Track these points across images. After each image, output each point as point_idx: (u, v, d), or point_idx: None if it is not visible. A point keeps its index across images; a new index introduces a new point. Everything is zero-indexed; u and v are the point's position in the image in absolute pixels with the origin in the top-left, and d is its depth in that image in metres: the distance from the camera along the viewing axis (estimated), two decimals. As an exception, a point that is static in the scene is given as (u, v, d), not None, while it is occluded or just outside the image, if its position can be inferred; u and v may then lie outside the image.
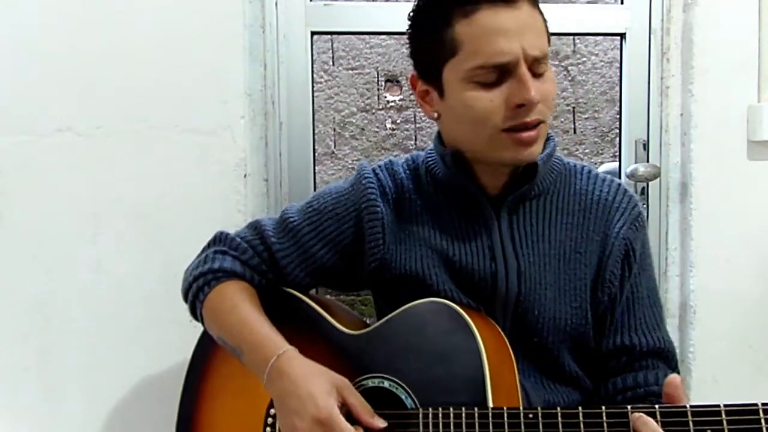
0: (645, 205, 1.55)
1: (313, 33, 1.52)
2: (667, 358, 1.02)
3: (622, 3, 1.58)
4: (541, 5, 0.97)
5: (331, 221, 1.05)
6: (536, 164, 0.97)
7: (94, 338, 1.40)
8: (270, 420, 1.00)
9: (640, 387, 0.98)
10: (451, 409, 0.88)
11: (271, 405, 1.00)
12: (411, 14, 1.00)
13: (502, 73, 0.91)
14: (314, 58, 1.69)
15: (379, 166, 1.09)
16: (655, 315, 1.03)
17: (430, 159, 1.06)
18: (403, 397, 0.93)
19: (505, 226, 1.00)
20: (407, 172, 1.08)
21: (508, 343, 0.96)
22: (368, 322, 1.13)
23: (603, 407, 0.83)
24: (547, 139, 1.02)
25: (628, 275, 1.01)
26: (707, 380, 1.44)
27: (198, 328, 1.11)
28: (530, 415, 0.84)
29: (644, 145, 1.56)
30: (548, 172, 1.02)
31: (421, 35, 0.99)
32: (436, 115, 1.01)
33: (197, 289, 1.04)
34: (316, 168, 1.62)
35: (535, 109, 0.91)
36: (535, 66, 0.91)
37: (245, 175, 1.39)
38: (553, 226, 1.01)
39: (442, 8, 0.93)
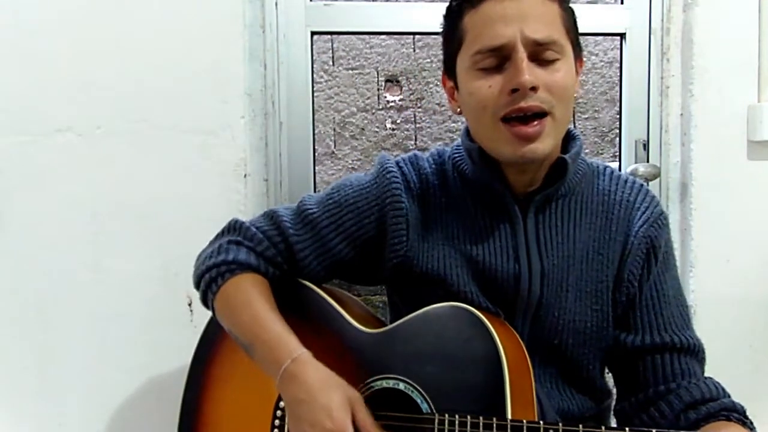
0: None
1: (313, 33, 1.52)
2: (700, 359, 1.00)
3: (622, 3, 1.58)
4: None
5: (351, 215, 1.03)
6: (566, 163, 0.96)
7: (94, 338, 1.40)
8: (279, 413, 0.99)
9: (710, 400, 0.94)
10: (469, 417, 0.86)
11: (280, 399, 0.99)
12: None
13: (502, 59, 0.90)
14: (314, 58, 1.69)
15: (403, 159, 1.06)
16: (683, 314, 1.01)
17: (456, 155, 1.04)
18: (418, 401, 0.91)
19: (531, 227, 0.98)
20: (433, 167, 1.05)
21: (526, 351, 0.94)
22: (379, 317, 1.12)
23: (627, 429, 0.82)
24: (573, 138, 1.01)
25: (648, 274, 0.99)
26: (707, 380, 1.44)
27: (198, 329, 1.11)
28: (551, 431, 0.83)
29: (644, 145, 1.56)
30: (574, 172, 1.00)
31: (443, 33, 1.00)
32: (458, 110, 1.00)
33: (210, 280, 1.02)
34: (316, 168, 1.62)
35: (532, 95, 0.89)
36: (541, 52, 0.90)
37: (245, 175, 1.39)
38: (578, 226, 1.00)
39: (457, 4, 0.96)
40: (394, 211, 1.01)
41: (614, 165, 1.61)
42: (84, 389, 1.40)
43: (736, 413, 0.93)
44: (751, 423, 0.93)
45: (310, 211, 1.04)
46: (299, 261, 1.04)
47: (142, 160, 1.38)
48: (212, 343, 1.09)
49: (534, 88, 0.88)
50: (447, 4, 1.00)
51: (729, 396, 0.96)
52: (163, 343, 1.38)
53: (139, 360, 1.40)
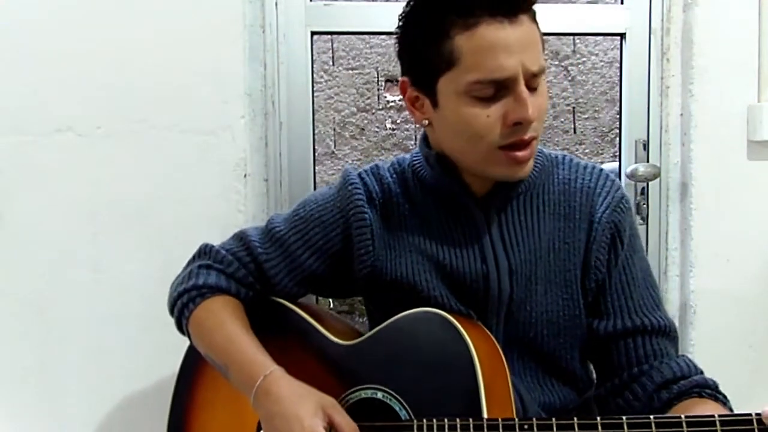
0: (645, 205, 1.55)
1: (313, 33, 1.52)
2: (672, 338, 1.00)
3: (622, 3, 1.58)
4: (541, 5, 0.96)
5: (317, 229, 1.04)
6: None
7: (94, 338, 1.40)
8: None
9: (681, 378, 0.95)
10: (446, 420, 0.87)
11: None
12: (403, 16, 0.96)
13: (499, 89, 0.89)
14: (314, 58, 1.69)
15: (365, 171, 1.07)
16: (653, 296, 1.01)
17: (416, 161, 1.05)
18: (397, 408, 0.92)
19: (494, 226, 1.00)
20: (394, 176, 1.06)
21: (501, 351, 0.95)
22: (358, 328, 1.12)
23: (598, 418, 0.83)
24: None
25: (615, 259, 1.00)
26: (707, 380, 1.44)
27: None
28: (525, 426, 0.84)
29: (644, 145, 1.56)
30: (532, 166, 1.00)
31: (415, 42, 0.95)
32: (426, 122, 0.99)
33: (182, 306, 1.03)
34: (316, 168, 1.61)
35: (530, 126, 0.90)
36: (533, 81, 0.90)
37: (245, 175, 1.39)
38: (541, 219, 1.01)
39: (440, 18, 0.90)
40: (358, 222, 1.02)
41: (614, 165, 1.62)
42: (84, 389, 1.40)
43: (708, 389, 0.94)
44: (724, 397, 0.94)
45: (278, 228, 1.05)
46: (270, 279, 1.05)
47: (142, 160, 1.38)
48: (193, 367, 1.09)
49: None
50: (400, 17, 0.96)
51: (701, 372, 0.97)
52: (163, 344, 1.37)
53: (139, 360, 1.40)
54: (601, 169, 1.05)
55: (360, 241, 1.02)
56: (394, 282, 1.01)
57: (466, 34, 0.88)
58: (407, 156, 1.08)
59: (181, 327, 1.05)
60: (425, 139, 1.04)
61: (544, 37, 0.95)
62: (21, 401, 1.41)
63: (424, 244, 1.01)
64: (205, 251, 1.08)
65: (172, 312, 1.06)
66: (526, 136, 0.90)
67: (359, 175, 1.06)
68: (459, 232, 1.01)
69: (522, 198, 1.01)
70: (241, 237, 1.07)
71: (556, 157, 1.06)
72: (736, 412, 0.93)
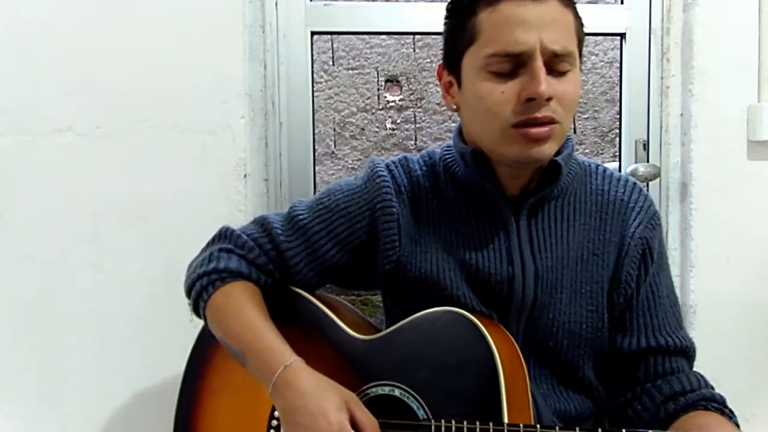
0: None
1: (313, 33, 1.52)
2: (690, 357, 1.01)
3: (622, 3, 1.58)
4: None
5: (342, 220, 1.01)
6: (559, 165, 0.95)
7: (94, 338, 1.40)
8: (275, 422, 0.99)
9: (690, 392, 0.95)
10: (465, 422, 0.86)
11: (274, 409, 0.99)
12: (447, 4, 0.98)
13: (517, 65, 0.89)
14: (314, 58, 1.69)
15: (393, 162, 1.05)
16: (676, 314, 1.01)
17: (448, 156, 1.03)
18: (414, 407, 0.91)
19: (524, 229, 0.98)
20: (423, 168, 1.04)
21: (521, 354, 0.94)
22: (372, 322, 1.12)
23: (623, 430, 0.82)
24: (566, 138, 0.99)
25: (645, 275, 0.99)
26: (707, 380, 1.44)
27: (198, 329, 1.11)
28: None
29: (644, 145, 1.56)
30: (567, 173, 0.99)
31: (449, 24, 0.97)
32: (455, 106, 0.99)
33: (201, 289, 1.01)
34: (316, 168, 1.61)
35: (546, 105, 0.88)
36: (556, 63, 0.88)
37: (245, 175, 1.39)
38: (572, 227, 0.99)
39: None
40: (386, 216, 1.00)
41: (614, 165, 1.62)
42: (85, 390, 1.40)
43: (715, 403, 0.94)
44: (731, 411, 0.94)
45: (301, 216, 1.03)
46: (291, 268, 1.03)
47: (142, 160, 1.38)
48: (205, 353, 1.08)
49: (548, 99, 0.88)
50: (447, 3, 0.98)
51: (710, 387, 0.97)
52: (164, 344, 1.38)
53: (140, 360, 1.40)
54: (635, 183, 1.04)
55: (386, 236, 1.00)
56: (417, 278, 0.99)
57: (488, 9, 0.89)
58: (437, 150, 1.06)
59: (198, 310, 1.03)
60: (460, 133, 1.02)
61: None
62: (21, 401, 1.41)
63: (451, 242, 0.99)
64: (225, 234, 1.06)
65: (189, 294, 1.04)
66: (540, 114, 0.88)
67: (387, 166, 1.04)
68: (487, 232, 0.98)
69: (555, 203, 0.99)
70: (262, 222, 1.05)
71: (590, 165, 1.04)
72: (735, 411, 0.94)
